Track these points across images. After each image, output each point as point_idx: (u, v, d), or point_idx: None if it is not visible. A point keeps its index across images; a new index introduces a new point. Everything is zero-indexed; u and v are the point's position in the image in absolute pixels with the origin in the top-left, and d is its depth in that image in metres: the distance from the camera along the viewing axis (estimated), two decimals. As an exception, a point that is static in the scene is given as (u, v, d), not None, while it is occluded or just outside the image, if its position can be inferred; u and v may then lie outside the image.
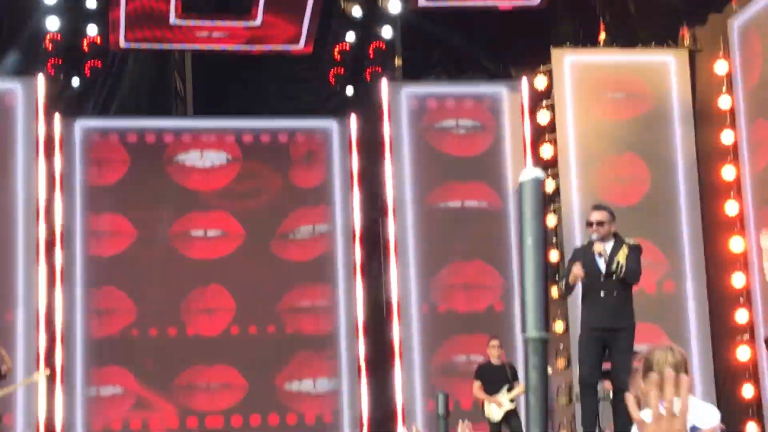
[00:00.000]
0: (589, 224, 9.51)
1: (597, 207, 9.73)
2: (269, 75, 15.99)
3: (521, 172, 1.67)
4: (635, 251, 9.43)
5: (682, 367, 5.10)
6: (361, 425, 14.73)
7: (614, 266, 9.22)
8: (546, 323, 1.65)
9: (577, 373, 9.74)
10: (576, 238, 14.33)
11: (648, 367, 5.17)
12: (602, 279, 9.31)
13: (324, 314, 15.15)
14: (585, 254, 9.55)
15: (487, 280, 14.96)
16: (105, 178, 15.02)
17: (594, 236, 9.38)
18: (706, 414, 4.90)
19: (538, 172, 1.72)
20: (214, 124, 15.49)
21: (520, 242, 1.68)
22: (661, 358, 5.14)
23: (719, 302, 14.14)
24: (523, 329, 1.66)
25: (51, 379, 13.54)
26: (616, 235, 9.52)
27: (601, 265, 9.34)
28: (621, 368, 8.85)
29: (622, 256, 9.34)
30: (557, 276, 14.40)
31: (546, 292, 1.65)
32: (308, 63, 15.78)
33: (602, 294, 9.29)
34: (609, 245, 9.40)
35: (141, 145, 15.21)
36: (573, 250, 10.24)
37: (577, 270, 9.27)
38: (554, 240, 14.68)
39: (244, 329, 14.93)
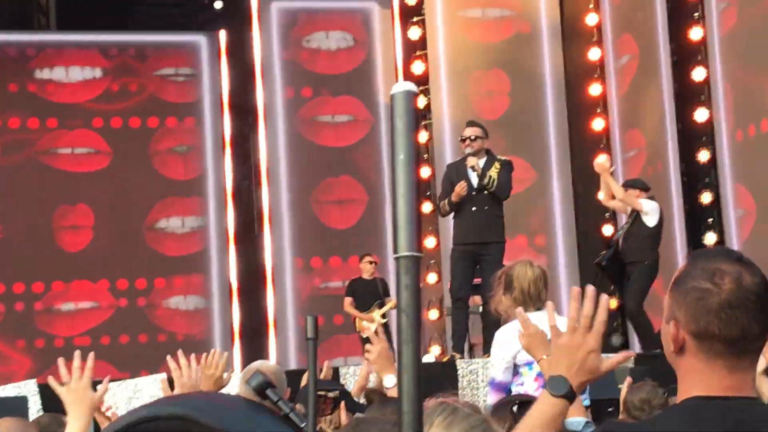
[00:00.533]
0: (463, 140, 9.62)
1: (470, 123, 9.83)
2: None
3: (393, 86, 1.63)
4: (507, 167, 9.58)
5: (541, 281, 5.19)
6: (233, 338, 14.71)
7: (486, 180, 9.35)
8: (418, 242, 1.62)
9: (448, 287, 9.87)
10: (447, 153, 14.42)
11: (509, 282, 5.24)
12: (474, 193, 9.43)
13: (196, 233, 15.01)
14: (457, 170, 9.65)
15: (357, 195, 14.97)
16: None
17: (467, 150, 9.48)
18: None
19: (411, 86, 1.69)
20: (78, 38, 15.09)
21: (392, 158, 1.64)
22: (521, 273, 5.23)
23: (586, 217, 14.41)
24: (395, 248, 1.63)
25: None
26: (488, 152, 9.67)
27: (474, 179, 9.45)
28: (490, 282, 9.00)
29: (494, 172, 9.47)
30: (428, 192, 14.51)
31: (418, 209, 1.62)
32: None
33: (473, 209, 9.42)
34: (482, 161, 9.51)
35: (1, 59, 14.77)
36: (446, 166, 10.33)
37: (460, 188, 9.35)
38: (426, 156, 14.76)
39: (113, 246, 14.70)
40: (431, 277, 14.28)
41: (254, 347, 14.31)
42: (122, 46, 15.14)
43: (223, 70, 15.18)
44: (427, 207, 14.49)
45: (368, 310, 12.77)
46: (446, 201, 9.57)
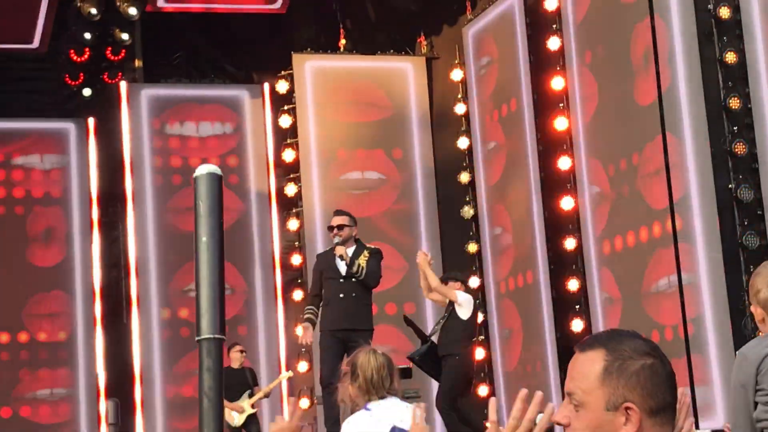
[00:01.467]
0: (330, 228, 9.72)
1: (338, 212, 9.95)
2: (1, 76, 15.41)
3: (200, 168, 1.61)
4: (376, 255, 9.69)
5: (385, 368, 5.20)
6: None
7: (355, 268, 9.42)
8: (221, 324, 1.60)
9: (319, 374, 9.85)
10: (318, 241, 14.43)
11: (353, 371, 5.24)
12: (342, 281, 9.48)
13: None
14: (327, 259, 9.74)
15: (230, 284, 14.85)
16: None
17: (336, 239, 9.57)
18: (406, 415, 4.97)
19: (214, 168, 1.68)
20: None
21: (194, 241, 1.62)
22: (365, 361, 5.23)
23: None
24: (198, 332, 1.61)
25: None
26: (357, 240, 9.77)
27: (342, 268, 9.51)
28: None
29: (363, 260, 9.54)
30: (299, 280, 14.48)
31: (221, 292, 1.60)
32: (43, 63, 15.31)
33: (341, 296, 9.47)
34: (351, 249, 9.59)
35: None
36: (316, 256, 10.37)
37: (304, 339, 9.62)
38: (297, 244, 14.75)
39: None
40: (302, 365, 14.19)
41: None
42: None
43: (92, 157, 15.02)
44: (298, 294, 14.45)
45: (238, 399, 12.61)
46: (302, 320, 9.74)
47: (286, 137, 14.81)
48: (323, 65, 14.91)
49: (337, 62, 15.07)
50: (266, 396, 12.73)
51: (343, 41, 15.28)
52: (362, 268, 9.49)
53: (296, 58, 14.79)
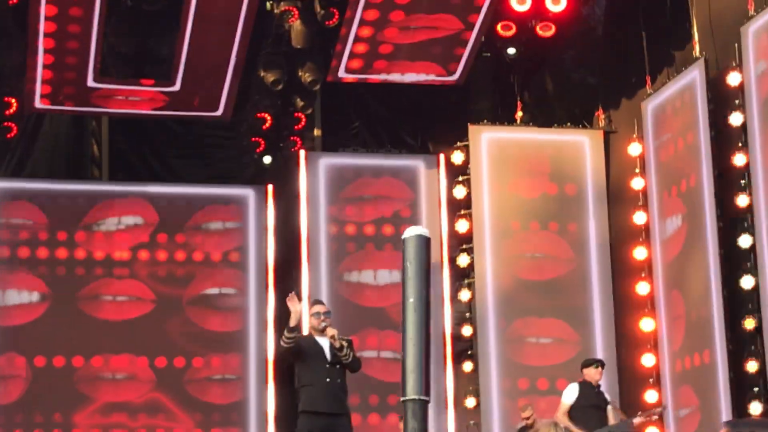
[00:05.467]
0: (318, 315, 9.64)
1: (319, 301, 9.97)
2: (186, 142, 15.88)
3: (408, 230, 1.62)
4: (351, 345, 9.68)
5: None
6: None
7: (344, 351, 9.43)
8: (427, 385, 1.60)
9: None
10: (490, 312, 14.36)
11: None
12: (327, 366, 9.52)
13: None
14: (309, 343, 9.68)
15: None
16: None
17: (323, 325, 9.54)
18: None
19: (422, 230, 1.68)
20: (131, 189, 15.33)
21: (402, 302, 1.63)
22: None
23: (630, 382, 14.23)
24: (403, 392, 1.60)
25: None
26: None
27: (327, 354, 9.52)
28: None
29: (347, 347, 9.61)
30: (469, 351, 14.43)
31: (428, 353, 1.59)
32: (226, 131, 15.72)
33: (327, 380, 9.50)
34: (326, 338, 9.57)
35: (55, 208, 15.03)
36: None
37: (293, 305, 9.34)
38: (468, 315, 14.69)
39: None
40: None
41: None
42: (172, 198, 15.35)
43: (269, 221, 15.32)
44: (468, 366, 14.38)
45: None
46: (286, 329, 9.48)
47: (460, 208, 14.84)
48: (500, 137, 14.93)
49: (513, 134, 15.08)
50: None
51: (520, 113, 15.29)
52: (351, 353, 9.54)
53: (473, 129, 14.85)
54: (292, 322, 9.31)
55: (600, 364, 11.07)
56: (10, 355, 14.54)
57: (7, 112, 14.45)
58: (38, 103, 14.26)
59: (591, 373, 10.95)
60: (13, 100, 14.46)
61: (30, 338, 14.61)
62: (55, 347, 14.65)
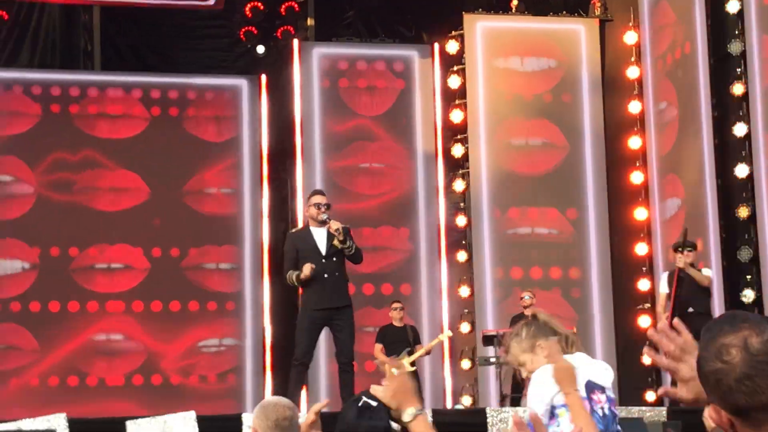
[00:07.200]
0: (318, 206, 9.61)
1: (320, 192, 9.96)
2: (178, 32, 15.73)
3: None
4: (350, 234, 9.65)
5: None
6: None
7: (348, 243, 9.43)
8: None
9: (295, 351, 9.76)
10: (484, 203, 14.39)
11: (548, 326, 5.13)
12: (323, 261, 9.49)
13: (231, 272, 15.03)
14: (303, 237, 9.68)
15: (393, 243, 14.94)
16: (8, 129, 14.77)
17: (322, 216, 9.53)
18: (599, 370, 4.90)
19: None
20: (122, 79, 15.23)
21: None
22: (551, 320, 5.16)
23: (624, 272, 14.32)
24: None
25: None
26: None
27: (322, 247, 9.50)
28: (348, 343, 9.52)
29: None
30: (464, 241, 14.48)
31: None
32: (219, 20, 15.57)
33: (325, 275, 9.49)
34: (324, 229, 9.56)
35: (47, 98, 14.93)
36: (287, 235, 10.26)
37: (309, 271, 9.39)
38: (462, 205, 14.72)
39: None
40: (464, 327, 14.23)
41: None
42: (164, 88, 15.24)
43: (263, 112, 15.23)
44: (462, 256, 14.45)
45: (398, 357, 12.68)
46: (295, 277, 9.54)
47: (455, 98, 14.78)
48: (494, 26, 14.82)
49: (508, 23, 14.96)
50: (427, 354, 12.77)
51: (515, 2, 15.14)
52: (353, 244, 9.53)
53: (467, 18, 14.72)
54: (302, 278, 9.37)
55: None
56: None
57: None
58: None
59: None
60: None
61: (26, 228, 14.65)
62: (50, 239, 14.68)
